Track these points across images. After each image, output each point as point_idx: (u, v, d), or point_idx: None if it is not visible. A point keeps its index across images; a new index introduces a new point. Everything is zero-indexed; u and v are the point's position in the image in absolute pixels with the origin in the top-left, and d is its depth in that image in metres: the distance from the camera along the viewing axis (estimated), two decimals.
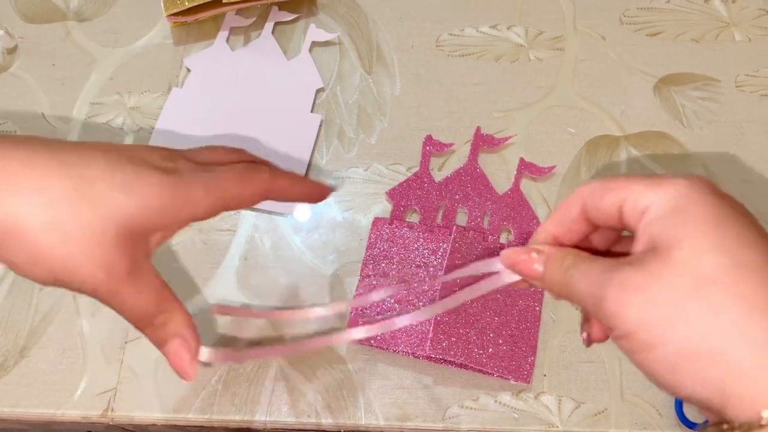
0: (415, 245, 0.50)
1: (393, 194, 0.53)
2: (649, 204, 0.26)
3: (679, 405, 0.45)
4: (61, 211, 0.27)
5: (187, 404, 0.47)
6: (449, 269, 0.48)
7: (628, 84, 0.58)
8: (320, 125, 0.57)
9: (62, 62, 0.60)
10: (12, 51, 0.61)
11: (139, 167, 0.29)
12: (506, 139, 0.55)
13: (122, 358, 0.48)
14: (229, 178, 0.33)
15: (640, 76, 0.58)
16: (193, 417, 0.47)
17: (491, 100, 0.58)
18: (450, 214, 0.52)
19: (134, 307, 0.30)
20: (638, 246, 0.26)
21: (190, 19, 0.61)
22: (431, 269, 0.49)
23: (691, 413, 0.45)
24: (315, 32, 0.61)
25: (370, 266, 0.50)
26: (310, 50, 0.60)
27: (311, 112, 0.57)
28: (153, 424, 0.48)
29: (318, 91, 0.58)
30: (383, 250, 0.50)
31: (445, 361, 0.47)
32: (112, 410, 0.47)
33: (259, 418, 0.46)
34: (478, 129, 0.55)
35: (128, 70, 0.60)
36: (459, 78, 0.59)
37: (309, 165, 0.55)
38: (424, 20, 0.62)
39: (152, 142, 0.56)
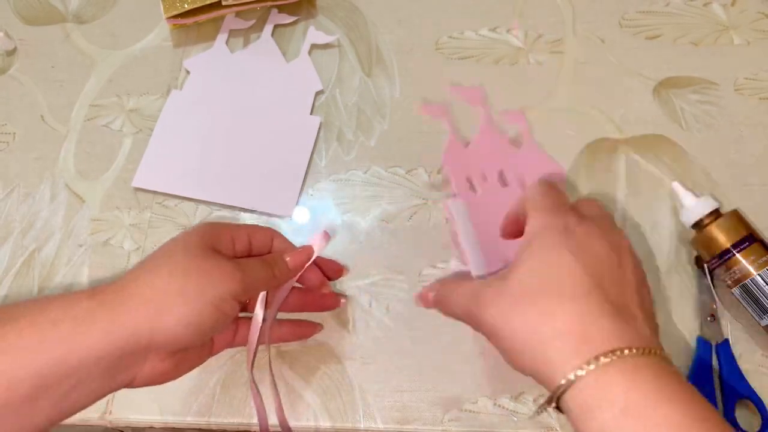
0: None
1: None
2: (528, 232, 0.38)
3: None
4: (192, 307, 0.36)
5: (186, 407, 0.47)
6: None
7: (628, 87, 0.58)
8: (319, 127, 0.57)
9: (61, 64, 0.60)
10: (11, 53, 0.61)
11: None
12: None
13: None
14: (259, 274, 0.41)
15: (640, 79, 0.59)
16: (192, 420, 0.46)
17: (491, 102, 0.58)
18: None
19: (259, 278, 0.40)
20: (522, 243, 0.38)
21: (189, 21, 0.61)
22: None
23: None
24: (314, 35, 0.61)
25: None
26: (310, 52, 0.60)
27: (310, 114, 0.57)
28: (151, 427, 0.47)
29: (317, 93, 0.58)
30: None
31: None
32: (110, 413, 0.47)
33: (258, 421, 0.46)
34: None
35: (127, 72, 0.60)
36: (458, 81, 0.59)
37: (308, 167, 0.55)
38: (423, 23, 0.62)
39: (151, 144, 0.55)
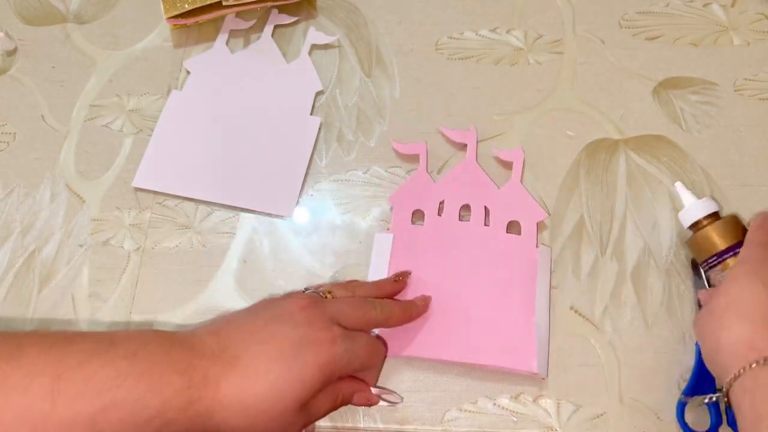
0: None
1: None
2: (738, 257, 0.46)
3: (680, 411, 0.45)
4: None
5: None
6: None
7: (627, 87, 0.58)
8: (319, 128, 0.57)
9: (62, 64, 0.61)
10: (12, 53, 0.61)
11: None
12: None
13: None
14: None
15: (639, 79, 0.59)
16: None
17: (490, 103, 0.58)
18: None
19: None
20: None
21: (190, 21, 0.61)
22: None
23: (692, 419, 0.45)
24: (314, 35, 0.61)
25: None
26: (310, 53, 0.60)
27: (310, 114, 0.57)
28: None
29: (317, 93, 0.58)
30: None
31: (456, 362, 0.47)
32: None
33: None
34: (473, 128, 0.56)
35: (128, 73, 0.60)
36: (458, 81, 0.59)
37: (308, 167, 0.55)
38: (423, 23, 0.62)
39: (152, 145, 0.56)
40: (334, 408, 0.42)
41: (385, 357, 0.46)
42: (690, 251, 0.50)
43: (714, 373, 0.43)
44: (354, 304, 0.43)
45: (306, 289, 0.46)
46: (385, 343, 0.46)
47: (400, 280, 0.48)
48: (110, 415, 0.33)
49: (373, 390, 0.44)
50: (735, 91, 0.58)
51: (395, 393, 0.46)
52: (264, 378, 0.37)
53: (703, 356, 0.44)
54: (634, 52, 0.60)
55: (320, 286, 0.46)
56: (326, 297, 0.44)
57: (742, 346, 0.40)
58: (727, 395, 0.40)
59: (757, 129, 0.56)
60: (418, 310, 0.47)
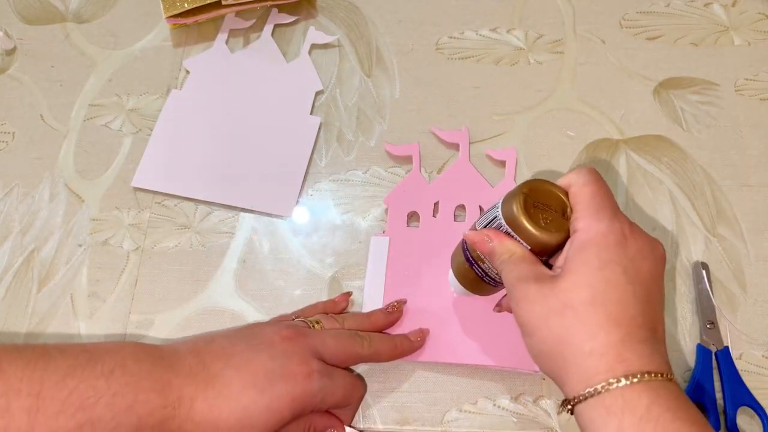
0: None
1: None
2: (577, 234, 0.37)
3: None
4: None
5: None
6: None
7: (628, 88, 0.58)
8: (319, 128, 0.57)
9: (61, 64, 0.60)
10: (11, 52, 0.61)
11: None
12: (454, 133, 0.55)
13: None
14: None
15: (640, 79, 0.58)
16: None
17: (491, 103, 0.58)
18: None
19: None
20: (557, 263, 0.38)
21: (189, 21, 0.61)
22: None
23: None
24: (314, 35, 0.61)
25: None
26: (310, 53, 0.60)
27: (310, 114, 0.57)
28: None
29: (317, 93, 0.58)
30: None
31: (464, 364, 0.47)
32: None
33: None
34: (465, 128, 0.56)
35: (127, 72, 0.60)
36: (458, 81, 0.59)
37: (308, 167, 0.55)
38: (423, 23, 0.62)
39: (151, 144, 0.55)
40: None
41: (364, 396, 0.46)
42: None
43: (548, 374, 0.37)
44: (339, 338, 0.43)
45: (296, 317, 0.46)
46: (364, 383, 0.46)
47: (394, 311, 0.47)
48: None
49: (347, 430, 0.44)
50: (736, 91, 0.58)
51: None
52: (236, 402, 0.38)
53: (539, 356, 0.36)
54: (634, 52, 0.60)
55: (310, 315, 0.46)
56: (313, 327, 0.44)
57: (607, 358, 0.33)
58: (572, 407, 0.34)
59: (758, 129, 0.56)
60: (411, 346, 0.46)
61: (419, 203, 0.52)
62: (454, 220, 0.52)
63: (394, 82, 0.59)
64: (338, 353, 0.42)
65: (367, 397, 0.47)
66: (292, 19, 0.62)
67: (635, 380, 0.33)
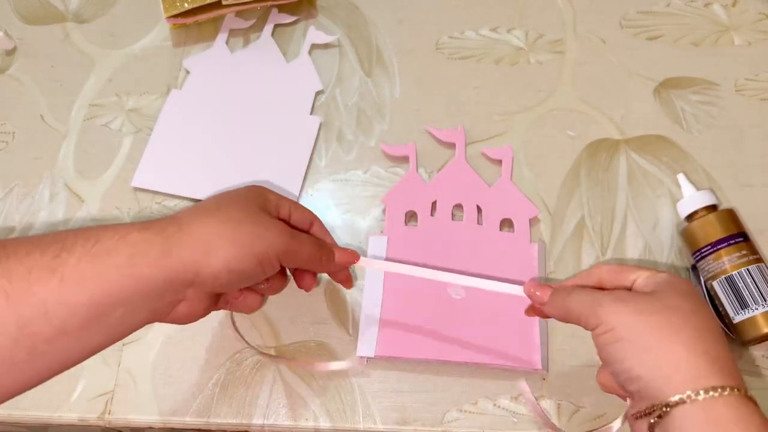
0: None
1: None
2: (652, 279, 0.37)
3: None
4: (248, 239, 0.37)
5: (185, 407, 0.47)
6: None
7: (628, 87, 0.58)
8: (319, 127, 0.57)
9: (61, 64, 0.60)
10: (11, 52, 0.61)
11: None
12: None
13: (120, 361, 0.48)
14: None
15: (640, 79, 0.58)
16: (191, 420, 0.46)
17: (491, 103, 0.58)
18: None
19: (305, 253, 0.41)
20: (640, 288, 0.38)
21: (189, 20, 0.61)
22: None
23: None
24: (314, 34, 0.61)
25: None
26: (310, 52, 0.60)
27: (310, 114, 0.57)
28: (150, 427, 0.47)
29: (317, 93, 0.58)
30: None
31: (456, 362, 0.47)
32: (109, 413, 0.46)
33: (257, 421, 0.46)
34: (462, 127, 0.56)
35: (127, 72, 0.60)
36: (458, 81, 0.59)
37: (308, 167, 0.55)
38: (423, 23, 0.62)
39: (151, 144, 0.55)
40: (317, 249, 0.42)
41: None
42: (684, 241, 0.50)
43: (638, 381, 0.34)
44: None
45: None
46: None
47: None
48: (65, 259, 0.31)
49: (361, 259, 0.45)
50: (736, 91, 0.58)
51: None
52: (215, 201, 0.39)
53: (610, 347, 0.35)
54: (634, 52, 0.60)
55: None
56: None
57: (715, 364, 0.32)
58: (660, 415, 0.32)
59: (758, 129, 0.56)
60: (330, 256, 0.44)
61: (417, 203, 0.52)
62: (452, 219, 0.52)
63: (394, 82, 0.59)
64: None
65: (367, 397, 0.47)
66: (292, 19, 0.62)
67: (736, 392, 0.32)
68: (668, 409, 0.32)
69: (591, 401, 0.46)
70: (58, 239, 0.32)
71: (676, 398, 0.32)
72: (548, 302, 0.40)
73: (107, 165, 0.56)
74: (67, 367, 0.32)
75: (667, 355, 0.33)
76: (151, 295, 0.33)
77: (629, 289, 0.38)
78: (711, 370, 0.32)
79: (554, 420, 0.46)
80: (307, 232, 0.44)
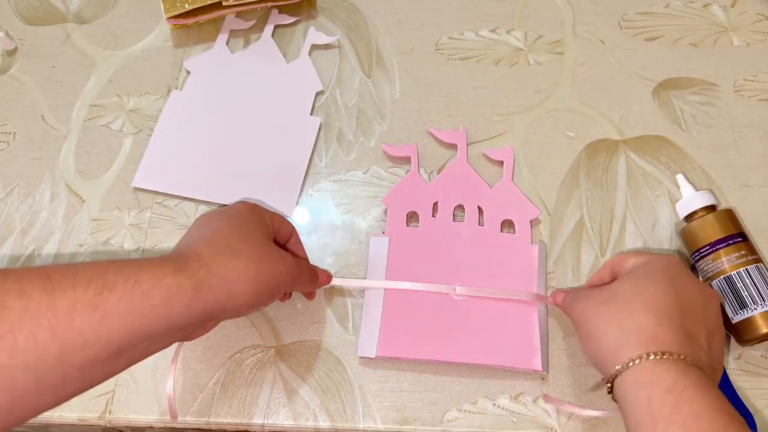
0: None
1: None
2: (633, 263, 0.44)
3: None
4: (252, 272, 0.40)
5: (185, 407, 0.47)
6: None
7: (627, 88, 0.58)
8: (319, 128, 0.57)
9: (62, 64, 0.61)
10: (12, 53, 0.61)
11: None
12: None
13: None
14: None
15: (639, 80, 0.59)
16: (191, 420, 0.46)
17: (490, 103, 0.58)
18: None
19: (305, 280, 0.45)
20: (627, 274, 0.44)
21: (190, 21, 0.61)
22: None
23: None
24: (315, 35, 0.61)
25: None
26: (310, 53, 0.60)
27: (310, 114, 0.57)
28: (150, 427, 0.47)
29: (317, 93, 0.58)
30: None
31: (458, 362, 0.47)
32: (109, 413, 0.47)
33: (257, 421, 0.46)
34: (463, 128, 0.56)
35: (128, 73, 0.60)
36: (458, 81, 0.59)
37: (308, 167, 0.55)
38: (423, 24, 0.62)
39: (152, 145, 0.56)
40: (310, 275, 0.45)
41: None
42: (683, 241, 0.50)
43: (594, 359, 0.41)
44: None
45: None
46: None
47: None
48: (106, 297, 0.33)
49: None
50: (735, 91, 0.58)
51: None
52: (227, 241, 0.39)
53: (588, 341, 0.41)
54: (634, 52, 0.60)
55: None
56: None
57: (642, 336, 0.38)
58: (611, 385, 0.38)
59: (757, 130, 0.56)
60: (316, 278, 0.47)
61: (418, 203, 0.52)
62: (453, 220, 0.52)
63: (394, 83, 0.59)
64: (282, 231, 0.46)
65: (367, 396, 0.47)
66: (292, 19, 0.62)
67: (665, 357, 0.36)
68: (610, 382, 0.38)
69: (590, 401, 0.46)
70: (99, 274, 0.34)
71: (613, 370, 0.38)
72: (561, 306, 0.46)
73: (108, 165, 0.56)
74: (90, 388, 0.34)
75: (602, 342, 0.39)
76: (177, 329, 0.36)
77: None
78: (637, 342, 0.37)
79: (553, 420, 0.46)
80: (285, 244, 0.47)
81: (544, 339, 0.48)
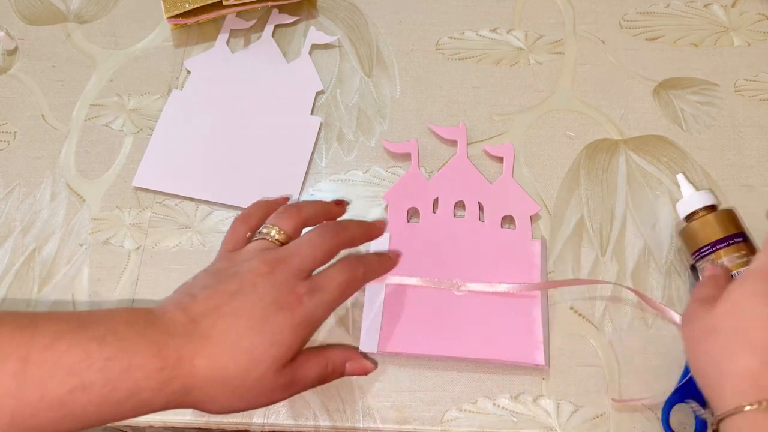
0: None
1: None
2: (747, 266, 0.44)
3: (666, 412, 0.45)
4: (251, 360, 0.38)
5: None
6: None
7: (628, 88, 0.58)
8: (320, 128, 0.57)
9: (62, 64, 0.61)
10: (12, 52, 0.61)
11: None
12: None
13: None
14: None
15: (640, 80, 0.59)
16: (191, 419, 0.46)
17: (491, 103, 0.58)
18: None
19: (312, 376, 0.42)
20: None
21: (190, 21, 0.61)
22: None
23: (677, 420, 0.45)
24: (315, 35, 0.61)
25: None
26: (310, 53, 0.60)
27: (311, 114, 0.58)
28: (150, 426, 0.47)
29: (318, 93, 0.58)
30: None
31: (459, 358, 0.47)
32: None
33: (257, 420, 0.46)
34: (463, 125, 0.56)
35: (128, 72, 0.60)
36: (459, 81, 0.59)
37: (308, 167, 0.55)
38: (424, 23, 0.62)
39: (152, 144, 0.56)
40: (326, 377, 0.42)
41: (375, 270, 0.45)
42: (684, 241, 0.50)
43: (704, 393, 0.40)
44: (313, 244, 0.42)
45: (250, 232, 0.44)
46: (363, 262, 0.43)
47: (342, 204, 0.48)
48: (78, 397, 0.33)
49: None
50: (735, 91, 0.58)
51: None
52: (238, 349, 0.37)
53: (695, 372, 0.41)
54: (634, 52, 0.60)
55: (258, 220, 0.45)
56: (274, 237, 0.42)
57: (744, 381, 0.36)
58: (717, 424, 0.37)
59: (757, 129, 0.56)
60: (378, 231, 0.46)
61: (419, 200, 0.52)
62: (454, 216, 0.52)
63: (394, 83, 0.59)
64: (319, 257, 0.42)
65: (367, 396, 0.47)
66: (292, 19, 0.62)
67: (764, 407, 0.35)
68: (721, 420, 0.37)
69: (590, 401, 0.46)
70: (75, 371, 0.34)
71: (723, 412, 0.36)
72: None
73: (108, 165, 0.56)
74: None
75: (704, 379, 0.38)
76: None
77: None
78: (742, 389, 0.36)
79: (553, 420, 0.46)
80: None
81: (546, 333, 0.48)
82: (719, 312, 0.39)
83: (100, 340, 0.35)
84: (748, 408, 0.35)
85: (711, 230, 0.48)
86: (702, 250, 0.48)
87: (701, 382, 0.39)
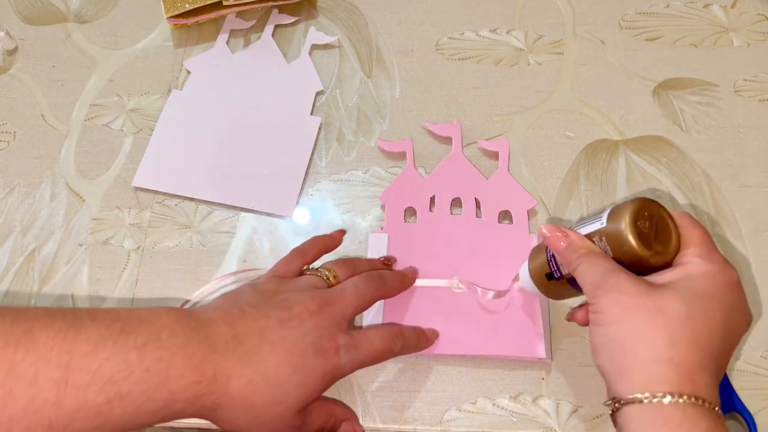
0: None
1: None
2: (688, 266, 0.37)
3: None
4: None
5: None
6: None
7: (627, 88, 0.58)
8: (320, 128, 0.57)
9: (62, 64, 0.61)
10: (12, 52, 0.61)
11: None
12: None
13: None
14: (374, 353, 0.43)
15: (639, 80, 0.59)
16: (191, 420, 0.46)
17: (490, 103, 0.58)
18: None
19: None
20: (686, 274, 0.37)
21: (190, 21, 0.61)
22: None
23: None
24: (315, 35, 0.61)
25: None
26: (310, 53, 0.60)
27: (311, 114, 0.58)
28: (150, 426, 0.47)
29: (318, 93, 0.58)
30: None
31: (462, 355, 0.47)
32: None
33: None
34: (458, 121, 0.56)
35: (128, 72, 0.60)
36: (458, 82, 0.59)
37: (308, 167, 0.55)
38: (424, 24, 0.62)
39: (152, 144, 0.56)
40: (326, 429, 0.43)
41: (409, 346, 0.45)
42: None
43: (605, 366, 0.36)
44: (358, 294, 0.43)
45: (306, 266, 0.47)
46: (401, 336, 0.44)
47: (388, 262, 0.50)
48: (115, 407, 0.34)
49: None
50: (735, 92, 0.58)
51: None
52: (272, 379, 0.38)
53: (599, 338, 0.36)
54: (634, 52, 0.60)
55: (313, 256, 0.48)
56: (328, 279, 0.44)
57: (680, 371, 0.34)
58: (614, 409, 0.35)
59: (757, 130, 0.56)
60: (409, 280, 0.49)
61: (415, 198, 0.52)
62: (451, 213, 0.52)
63: (394, 83, 0.59)
64: (360, 306, 0.44)
65: (367, 395, 0.47)
66: (292, 19, 0.62)
67: (699, 404, 0.33)
68: (620, 405, 0.34)
69: (590, 401, 0.46)
70: (114, 381, 0.34)
71: (630, 392, 0.34)
72: (563, 253, 0.40)
73: (108, 165, 0.56)
74: None
75: (630, 357, 0.35)
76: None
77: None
78: (673, 378, 0.34)
79: (553, 420, 0.46)
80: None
81: (547, 326, 0.48)
82: (667, 295, 0.36)
83: (141, 349, 0.35)
84: (681, 400, 0.33)
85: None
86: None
87: (608, 358, 0.36)
